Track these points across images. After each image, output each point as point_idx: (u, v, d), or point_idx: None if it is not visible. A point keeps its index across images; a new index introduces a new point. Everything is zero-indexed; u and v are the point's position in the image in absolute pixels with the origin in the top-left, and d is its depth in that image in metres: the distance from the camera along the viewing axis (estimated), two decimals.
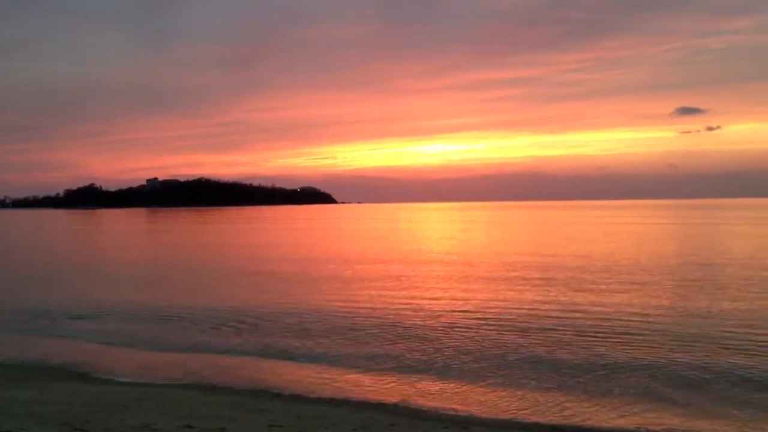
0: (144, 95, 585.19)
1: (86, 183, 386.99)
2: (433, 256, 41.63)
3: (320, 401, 12.17)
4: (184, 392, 12.64)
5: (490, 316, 20.15)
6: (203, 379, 14.01)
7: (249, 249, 52.39)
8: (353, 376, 14.11)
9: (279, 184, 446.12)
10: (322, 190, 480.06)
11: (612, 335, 17.19)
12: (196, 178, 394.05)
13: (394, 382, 13.69)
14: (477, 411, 11.71)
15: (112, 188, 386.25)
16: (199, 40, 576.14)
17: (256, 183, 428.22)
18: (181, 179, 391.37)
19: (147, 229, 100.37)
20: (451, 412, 11.53)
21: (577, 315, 20.07)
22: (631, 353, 15.34)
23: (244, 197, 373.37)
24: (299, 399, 12.35)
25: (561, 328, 18.30)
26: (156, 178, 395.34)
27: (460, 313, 20.84)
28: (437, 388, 13.17)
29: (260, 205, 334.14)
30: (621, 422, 11.04)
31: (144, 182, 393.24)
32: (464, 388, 13.15)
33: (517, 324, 18.93)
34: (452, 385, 13.38)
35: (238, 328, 19.26)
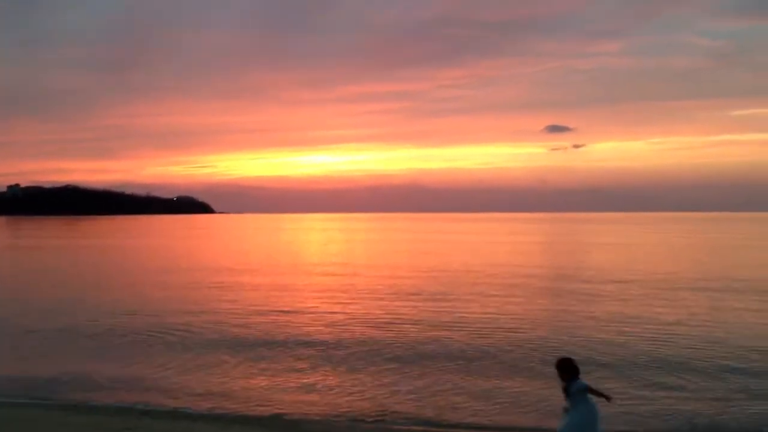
0: (3, 97, 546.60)
1: None
2: (294, 268, 41.54)
3: (192, 417, 11.72)
4: (42, 412, 11.80)
5: (357, 325, 20.35)
6: (64, 398, 13.14)
7: (119, 255, 50.06)
8: (226, 390, 13.71)
9: (155, 193, 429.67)
10: (200, 200, 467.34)
11: (472, 336, 17.79)
12: (63, 185, 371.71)
13: (267, 393, 13.44)
14: (356, 415, 11.73)
15: None
16: (69, 41, 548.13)
17: (129, 191, 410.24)
18: (47, 186, 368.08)
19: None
20: (326, 421, 11.45)
21: (436, 321, 20.61)
22: (485, 350, 15.92)
23: (116, 206, 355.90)
24: (170, 416, 11.83)
25: (420, 333, 18.78)
26: (18, 185, 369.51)
27: (324, 324, 20.84)
28: (311, 398, 13.07)
29: (134, 215, 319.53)
30: (489, 419, 11.42)
31: (5, 189, 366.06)
32: (338, 397, 13.11)
33: (385, 332, 19.22)
34: (326, 394, 13.32)
35: (100, 344, 18.28)
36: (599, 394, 8.15)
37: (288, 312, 23.20)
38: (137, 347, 17.76)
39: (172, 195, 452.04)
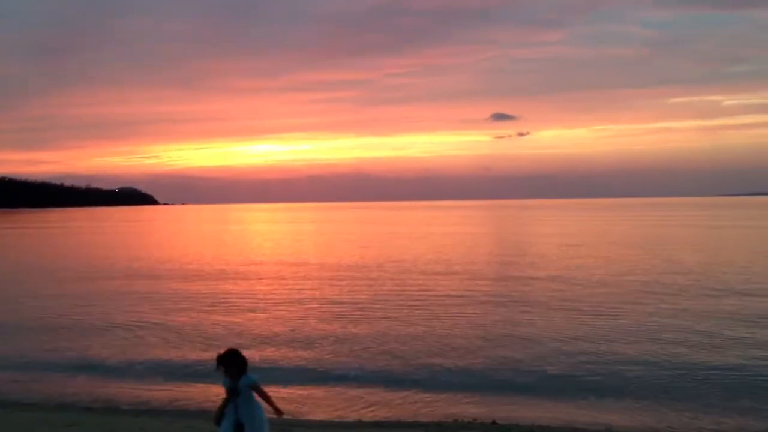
0: None
1: None
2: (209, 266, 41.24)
3: (137, 413, 11.65)
4: None
5: (293, 313, 20.57)
6: (4, 395, 12.88)
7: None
8: (171, 386, 13.62)
9: (96, 185, 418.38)
10: (143, 191, 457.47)
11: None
12: None
13: (212, 390, 13.40)
14: (300, 411, 11.85)
15: None
16: (1, 25, 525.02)
17: (68, 183, 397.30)
18: None
19: None
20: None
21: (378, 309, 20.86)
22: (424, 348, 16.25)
23: (54, 199, 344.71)
24: (114, 411, 11.74)
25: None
26: None
27: (266, 312, 20.91)
28: None
29: (73, 207, 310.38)
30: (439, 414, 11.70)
31: None
32: (287, 388, 13.21)
33: (329, 318, 19.39)
34: (275, 385, 13.37)
35: (40, 339, 17.89)
36: (268, 400, 7.26)
37: (222, 312, 22.95)
38: (72, 344, 17.44)
39: (114, 186, 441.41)
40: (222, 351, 7.29)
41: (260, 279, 30.81)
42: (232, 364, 7.13)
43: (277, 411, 7.25)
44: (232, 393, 7.09)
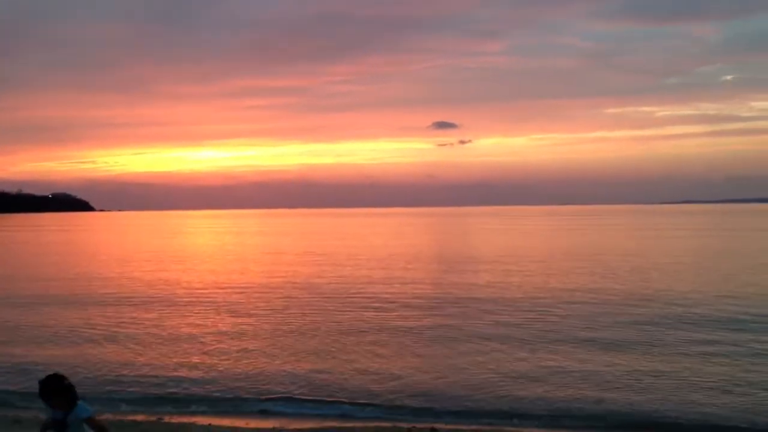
0: None
1: None
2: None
3: None
4: None
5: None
6: None
7: None
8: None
9: (27, 190, 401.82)
10: (77, 197, 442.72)
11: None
12: None
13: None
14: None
15: None
16: None
17: None
18: None
19: None
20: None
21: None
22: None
23: None
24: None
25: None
26: None
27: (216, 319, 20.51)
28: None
29: (2, 213, 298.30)
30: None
31: None
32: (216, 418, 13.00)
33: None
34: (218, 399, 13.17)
35: None
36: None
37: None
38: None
39: (47, 192, 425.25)
40: (43, 377, 5.96)
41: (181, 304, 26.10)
42: (57, 392, 5.83)
43: None
44: (58, 428, 5.86)
